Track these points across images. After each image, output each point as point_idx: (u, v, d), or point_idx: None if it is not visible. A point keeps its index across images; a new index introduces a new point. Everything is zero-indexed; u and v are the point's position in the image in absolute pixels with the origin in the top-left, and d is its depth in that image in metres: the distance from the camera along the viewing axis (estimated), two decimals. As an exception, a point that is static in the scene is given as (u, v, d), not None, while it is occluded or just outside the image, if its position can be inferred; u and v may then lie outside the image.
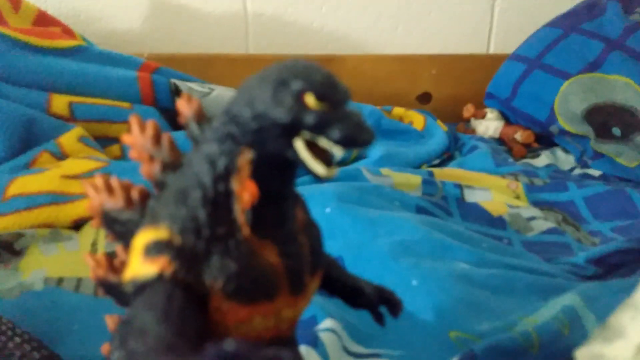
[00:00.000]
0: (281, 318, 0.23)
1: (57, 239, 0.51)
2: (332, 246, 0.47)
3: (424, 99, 1.07)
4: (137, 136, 0.23)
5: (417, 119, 0.93)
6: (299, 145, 0.20)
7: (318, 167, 0.20)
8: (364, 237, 0.50)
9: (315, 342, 0.37)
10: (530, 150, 0.90)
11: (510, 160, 0.83)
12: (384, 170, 0.66)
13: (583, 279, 0.50)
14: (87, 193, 0.24)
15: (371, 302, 0.28)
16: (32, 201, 0.54)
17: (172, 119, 0.76)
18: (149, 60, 0.82)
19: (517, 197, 0.68)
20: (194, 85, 0.81)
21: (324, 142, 0.19)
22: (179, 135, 0.27)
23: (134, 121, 0.23)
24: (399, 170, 0.68)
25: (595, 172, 0.81)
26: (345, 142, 0.19)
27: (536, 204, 0.68)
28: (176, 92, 0.78)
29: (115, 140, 0.72)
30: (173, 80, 0.79)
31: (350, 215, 0.52)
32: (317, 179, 0.20)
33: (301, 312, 0.24)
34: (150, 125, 0.23)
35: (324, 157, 0.20)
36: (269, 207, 0.22)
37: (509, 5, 1.09)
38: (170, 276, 0.20)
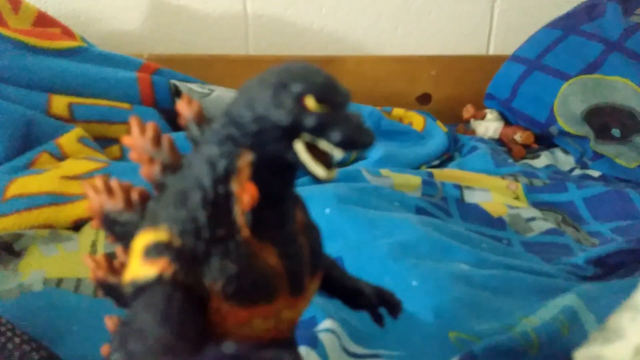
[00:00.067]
0: (281, 319, 0.23)
1: (56, 240, 0.51)
2: (332, 247, 0.47)
3: (424, 99, 1.07)
4: (137, 138, 0.23)
5: (416, 120, 0.93)
6: (299, 147, 0.20)
7: (318, 169, 0.20)
8: (363, 238, 0.50)
9: (314, 343, 0.37)
10: (529, 151, 0.90)
11: (510, 161, 0.83)
12: (384, 171, 0.66)
13: (583, 280, 0.50)
14: (87, 194, 0.25)
15: (371, 303, 0.29)
16: (32, 202, 0.54)
17: (172, 119, 0.76)
18: (148, 61, 0.82)
19: (517, 198, 0.68)
20: (194, 86, 0.81)
21: (324, 145, 0.19)
22: (178, 137, 0.27)
23: (134, 123, 0.23)
24: (399, 171, 0.68)
25: (595, 173, 0.81)
26: (345, 145, 0.19)
27: (536, 204, 0.68)
28: (176, 93, 0.78)
29: (115, 141, 0.72)
30: (173, 81, 0.79)
31: (350, 216, 0.52)
32: (317, 180, 0.20)
33: (301, 313, 0.24)
34: (150, 126, 0.23)
35: (324, 159, 0.20)
36: (269, 209, 0.22)
37: (508, 6, 1.09)
38: (170, 278, 0.20)
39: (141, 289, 0.21)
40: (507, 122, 0.96)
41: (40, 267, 0.47)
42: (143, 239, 0.21)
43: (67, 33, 0.81)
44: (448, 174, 0.71)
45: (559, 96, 0.85)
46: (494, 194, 0.66)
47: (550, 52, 0.89)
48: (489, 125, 0.95)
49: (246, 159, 0.21)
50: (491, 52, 1.12)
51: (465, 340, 0.39)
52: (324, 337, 0.37)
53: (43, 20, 0.81)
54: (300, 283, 0.23)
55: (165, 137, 0.24)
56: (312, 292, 0.25)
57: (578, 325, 0.39)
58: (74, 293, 0.45)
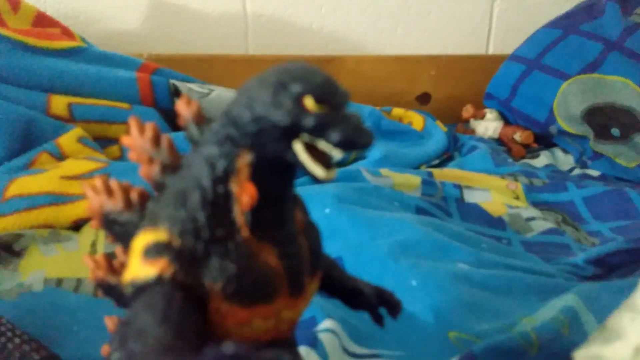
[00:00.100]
0: (281, 319, 0.23)
1: (56, 240, 0.51)
2: (332, 247, 0.47)
3: (424, 99, 1.07)
4: (137, 138, 0.23)
5: (416, 120, 0.93)
6: (299, 147, 0.20)
7: (317, 170, 0.20)
8: (363, 238, 0.50)
9: (314, 343, 0.37)
10: (529, 151, 0.90)
11: (510, 160, 0.83)
12: (384, 171, 0.66)
13: (582, 280, 0.50)
14: (87, 194, 0.25)
15: (370, 303, 0.29)
16: (32, 202, 0.54)
17: (171, 119, 0.76)
18: (148, 61, 0.82)
19: (517, 198, 0.68)
20: (194, 86, 0.81)
21: (323, 145, 0.19)
22: (178, 136, 0.27)
23: (133, 123, 0.23)
24: (399, 170, 0.68)
25: (595, 173, 0.81)
26: (344, 145, 0.19)
27: (535, 204, 0.68)
28: (175, 93, 0.78)
29: (115, 141, 0.72)
30: (172, 81, 0.79)
31: (349, 215, 0.52)
32: (317, 180, 0.20)
33: (301, 313, 0.24)
34: (149, 127, 0.23)
35: (323, 159, 0.20)
36: (268, 209, 0.22)
37: (508, 5, 1.09)
38: (170, 278, 0.20)
39: (141, 289, 0.21)
40: (507, 121, 0.96)
41: (40, 267, 0.47)
42: (143, 239, 0.21)
43: (67, 33, 0.81)
44: (448, 174, 0.71)
45: (558, 96, 0.86)
46: (493, 193, 0.66)
47: (550, 51, 0.90)
48: (489, 125, 0.95)
49: (245, 159, 0.21)
50: (491, 51, 1.12)
51: (465, 340, 0.39)
52: (324, 337, 0.37)
53: (42, 20, 0.81)
54: (300, 283, 0.23)
55: (165, 137, 0.24)
56: (312, 292, 0.25)
57: (578, 325, 0.39)
58: (74, 293, 0.45)
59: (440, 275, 0.44)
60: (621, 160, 0.79)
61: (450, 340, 0.39)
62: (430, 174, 0.70)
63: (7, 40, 0.70)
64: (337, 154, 0.20)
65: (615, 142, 0.80)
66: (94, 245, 0.51)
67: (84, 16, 0.94)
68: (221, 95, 0.80)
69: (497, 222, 0.61)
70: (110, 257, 0.25)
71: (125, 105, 0.74)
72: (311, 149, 0.20)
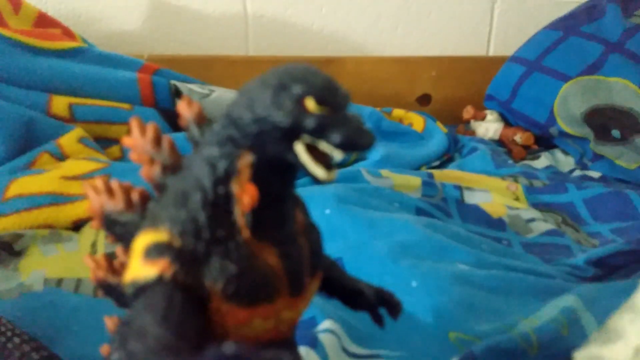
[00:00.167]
0: (281, 320, 0.23)
1: (56, 240, 0.51)
2: (332, 247, 0.47)
3: (424, 100, 1.07)
4: (138, 138, 0.23)
5: (416, 121, 0.93)
6: (299, 148, 0.20)
7: (318, 171, 0.20)
8: (363, 239, 0.50)
9: (314, 343, 0.37)
10: (529, 152, 0.90)
11: (510, 162, 0.83)
12: (384, 172, 0.66)
13: (582, 281, 0.50)
14: (88, 195, 0.25)
15: (370, 303, 0.29)
16: (32, 202, 0.54)
17: (172, 120, 0.76)
18: (149, 62, 0.82)
19: (517, 199, 0.69)
20: (194, 87, 0.81)
21: (324, 146, 0.19)
22: (179, 137, 0.27)
23: (134, 123, 0.24)
24: (399, 171, 0.68)
25: (595, 174, 0.81)
26: (345, 146, 0.19)
27: (536, 205, 0.68)
28: (176, 93, 0.78)
29: (116, 141, 0.72)
30: (173, 82, 0.79)
31: (349, 216, 0.52)
32: (317, 181, 0.20)
33: (301, 313, 0.24)
34: (150, 127, 0.23)
35: (324, 160, 0.20)
36: (269, 210, 0.22)
37: (508, 7, 1.09)
38: (170, 278, 0.20)
39: (141, 289, 0.21)
40: (507, 123, 0.96)
41: (40, 267, 0.47)
42: (143, 239, 0.22)
43: (68, 33, 0.81)
44: (448, 175, 0.71)
45: (559, 97, 0.86)
46: (494, 194, 0.66)
47: (550, 53, 0.90)
48: (489, 126, 0.95)
49: (246, 160, 0.21)
50: (491, 53, 1.12)
51: (465, 340, 0.39)
52: (324, 338, 0.37)
53: (43, 21, 0.81)
54: (300, 283, 0.23)
55: (166, 138, 0.24)
56: (312, 292, 0.25)
57: (578, 326, 0.39)
58: (74, 293, 0.45)
59: (441, 276, 0.45)
60: (621, 162, 0.79)
61: (451, 340, 0.39)
62: (430, 175, 0.70)
63: (8, 40, 0.71)
64: (337, 155, 0.20)
65: (616, 144, 0.80)
66: (94, 245, 0.51)
67: (84, 17, 0.94)
68: (222, 96, 0.80)
69: (497, 223, 0.61)
70: (110, 257, 0.25)
71: (126, 106, 0.74)
72: (312, 150, 0.20)
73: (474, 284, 0.45)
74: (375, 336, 0.40)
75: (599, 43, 0.85)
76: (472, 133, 0.97)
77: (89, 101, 0.72)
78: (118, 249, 0.25)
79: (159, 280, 0.20)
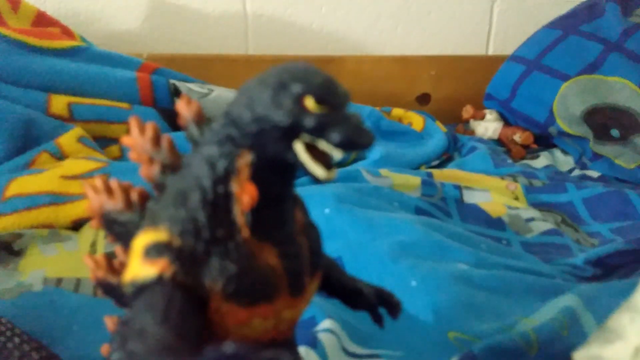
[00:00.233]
0: (281, 319, 0.23)
1: (56, 239, 0.51)
2: (331, 247, 0.47)
3: (423, 99, 1.07)
4: (137, 138, 0.23)
5: (416, 120, 0.93)
6: (299, 147, 0.20)
7: (318, 170, 0.20)
8: (363, 238, 0.50)
9: (314, 343, 0.37)
10: (529, 152, 0.90)
11: (509, 161, 0.83)
12: (383, 171, 0.66)
13: (582, 280, 0.50)
14: (87, 194, 0.25)
15: (370, 303, 0.29)
16: (32, 201, 0.54)
17: (171, 119, 0.76)
18: (148, 61, 0.82)
19: (516, 198, 0.69)
20: (194, 86, 0.81)
21: (323, 145, 0.19)
22: (178, 136, 0.27)
23: (133, 123, 0.23)
24: (398, 171, 0.68)
25: (594, 174, 0.81)
26: (344, 145, 0.19)
27: (535, 205, 0.68)
28: (175, 92, 0.78)
29: (115, 140, 0.72)
30: (172, 81, 0.79)
31: (349, 216, 0.52)
32: (317, 181, 0.20)
33: (301, 313, 0.24)
34: (149, 127, 0.23)
35: (323, 159, 0.20)
36: (269, 209, 0.22)
37: (508, 6, 1.09)
38: (170, 278, 0.20)
39: (141, 289, 0.21)
40: (507, 122, 0.96)
41: (40, 266, 0.47)
42: (143, 239, 0.21)
43: (67, 32, 0.81)
44: (447, 174, 0.71)
45: (558, 96, 0.86)
46: (493, 194, 0.66)
47: (550, 52, 0.90)
48: (489, 126, 0.95)
49: (246, 159, 0.21)
50: (490, 52, 1.12)
51: (464, 340, 0.39)
52: (324, 337, 0.37)
53: (42, 20, 0.81)
54: (300, 283, 0.23)
55: (165, 137, 0.24)
56: (312, 292, 0.25)
57: (577, 326, 0.39)
58: (74, 293, 0.45)
59: (440, 275, 0.45)
60: (621, 161, 0.79)
61: (450, 340, 0.39)
62: (430, 175, 0.70)
63: (7, 39, 0.70)
64: (337, 154, 0.20)
65: (615, 143, 0.80)
66: (93, 245, 0.51)
67: (84, 16, 0.94)
68: (221, 95, 0.80)
69: (496, 223, 0.61)
70: (110, 256, 0.25)
71: (125, 105, 0.74)
72: (311, 149, 0.20)
73: (473, 284, 0.45)
74: (375, 336, 0.40)
75: (599, 42, 0.85)
76: (472, 132, 0.97)
77: (88, 100, 0.72)
78: (117, 249, 0.25)
79: (159, 280, 0.20)
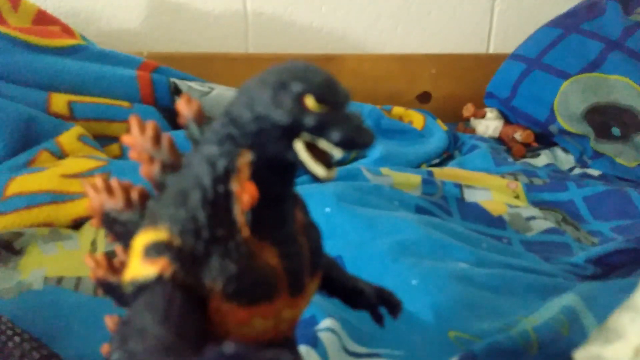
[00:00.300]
0: (281, 319, 0.23)
1: (56, 238, 0.51)
2: (332, 246, 0.47)
3: (424, 98, 1.07)
4: (137, 137, 0.23)
5: (416, 119, 0.93)
6: (299, 147, 0.20)
7: (318, 169, 0.20)
8: (363, 237, 0.50)
9: (315, 342, 0.37)
10: (529, 150, 0.90)
11: (510, 159, 0.83)
12: (384, 170, 0.66)
13: (582, 279, 0.50)
14: (87, 193, 0.25)
15: (371, 302, 0.28)
16: (32, 200, 0.54)
17: (171, 118, 0.76)
18: (148, 59, 0.82)
19: (517, 197, 0.68)
20: (194, 85, 0.81)
21: (323, 144, 0.19)
22: (178, 135, 0.27)
23: (133, 122, 0.23)
24: (399, 169, 0.68)
25: (595, 172, 0.81)
26: (345, 144, 0.19)
27: (536, 203, 0.68)
28: (176, 91, 0.78)
29: (115, 139, 0.72)
30: (173, 80, 0.79)
31: (349, 215, 0.52)
32: (317, 180, 0.20)
33: (301, 312, 0.24)
34: (150, 126, 0.23)
35: (323, 158, 0.20)
36: (269, 209, 0.22)
37: (508, 5, 1.09)
38: (170, 277, 0.20)
39: (141, 288, 0.21)
40: (507, 120, 0.96)
41: (40, 265, 0.47)
42: (143, 238, 0.21)
43: (67, 31, 0.81)
44: (448, 173, 0.71)
45: (559, 95, 0.85)
46: (494, 192, 0.66)
47: (551, 50, 0.89)
48: (489, 124, 0.94)
49: (246, 158, 0.21)
50: (491, 50, 1.12)
51: (465, 339, 0.39)
52: (324, 337, 0.37)
53: (43, 19, 0.81)
54: (300, 283, 0.23)
55: (165, 136, 0.24)
56: (312, 291, 0.25)
57: (578, 325, 0.39)
58: (74, 291, 0.45)
59: (441, 274, 0.44)
60: (622, 160, 0.79)
61: (450, 339, 0.39)
62: (430, 173, 0.69)
63: (7, 38, 0.70)
64: (337, 154, 0.20)
65: (616, 142, 0.80)
66: (94, 244, 0.51)
67: (84, 14, 0.94)
68: (222, 94, 0.80)
69: (497, 222, 0.61)
70: (110, 256, 0.25)
71: (125, 104, 0.74)
72: (312, 148, 0.20)
73: (474, 283, 0.45)
74: (376, 335, 0.40)
75: (599, 41, 0.85)
76: (472, 131, 0.97)
77: (89, 99, 0.72)
78: (118, 248, 0.25)
79: (159, 279, 0.20)
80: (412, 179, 0.65)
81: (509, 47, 1.01)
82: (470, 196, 0.65)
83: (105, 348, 0.25)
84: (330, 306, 0.41)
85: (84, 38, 0.83)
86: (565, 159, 0.87)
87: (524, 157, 0.88)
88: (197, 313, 0.20)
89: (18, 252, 0.49)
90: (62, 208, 0.54)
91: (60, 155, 0.63)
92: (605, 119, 0.80)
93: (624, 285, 0.44)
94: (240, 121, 0.20)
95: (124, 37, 0.96)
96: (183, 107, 0.24)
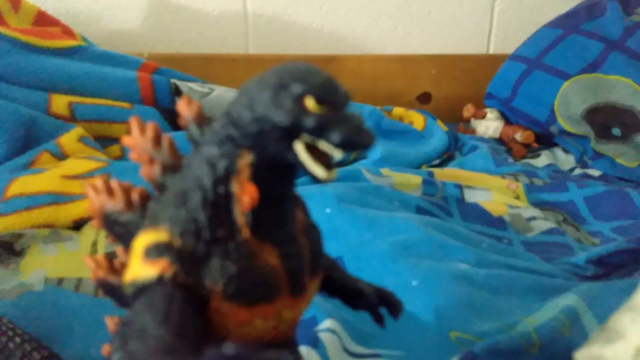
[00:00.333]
0: (281, 319, 0.23)
1: (57, 239, 0.51)
2: (332, 246, 0.47)
3: (424, 99, 1.07)
4: (137, 138, 0.23)
5: (417, 119, 0.93)
6: (299, 148, 0.20)
7: (318, 170, 0.20)
8: (364, 238, 0.50)
9: (315, 343, 0.37)
10: (530, 151, 0.90)
11: (510, 160, 0.83)
12: (384, 171, 0.66)
13: (583, 279, 0.50)
14: (88, 194, 0.25)
15: (371, 303, 0.28)
16: (32, 201, 0.54)
17: (172, 119, 0.76)
18: (148, 60, 0.82)
19: (517, 197, 0.68)
20: (194, 85, 0.81)
21: (324, 145, 0.19)
22: (179, 136, 0.27)
23: (134, 123, 0.23)
24: (399, 170, 0.68)
25: (595, 172, 0.81)
26: (345, 145, 0.19)
27: (536, 204, 0.68)
28: (176, 92, 0.78)
29: (116, 140, 0.72)
30: (173, 81, 0.79)
31: (350, 215, 0.52)
32: (317, 181, 0.20)
33: (301, 313, 0.24)
34: (150, 127, 0.23)
35: (324, 159, 0.20)
36: (269, 210, 0.22)
37: (508, 5, 1.09)
38: (171, 278, 0.20)
39: (142, 289, 0.21)
40: (508, 121, 0.96)
41: (41, 266, 0.47)
42: (143, 239, 0.21)
43: (67, 32, 0.81)
44: (448, 174, 0.71)
45: (559, 95, 0.85)
46: (494, 193, 0.66)
47: (551, 51, 0.89)
48: (490, 125, 0.94)
49: (246, 159, 0.21)
50: (491, 51, 1.12)
51: (465, 340, 0.39)
52: (325, 337, 0.37)
53: (43, 20, 0.81)
54: (300, 283, 0.23)
55: (166, 137, 0.24)
56: (313, 292, 0.25)
57: (579, 325, 0.39)
58: (75, 293, 0.45)
59: (441, 275, 0.44)
60: (622, 160, 0.79)
61: (451, 340, 0.39)
62: (430, 174, 0.70)
63: (7, 39, 0.70)
64: (337, 155, 0.20)
65: (616, 142, 0.80)
66: (94, 245, 0.51)
67: (84, 15, 0.94)
68: (222, 94, 0.80)
69: (497, 222, 0.61)
70: (111, 257, 0.25)
71: (125, 105, 0.74)
72: (312, 149, 0.20)
73: (474, 283, 0.45)
74: (376, 336, 0.40)
75: (600, 41, 0.85)
76: (473, 131, 0.97)
77: (89, 100, 0.72)
78: (118, 249, 0.25)
79: (159, 280, 0.20)
80: (412, 180, 0.65)
81: (509, 48, 1.01)
82: (470, 197, 0.65)
83: (105, 348, 0.25)
84: (331, 307, 0.41)
85: (84, 39, 0.83)
86: (565, 160, 0.87)
87: (524, 157, 0.88)
88: (198, 314, 0.20)
89: (19, 253, 0.49)
90: (63, 209, 0.54)
91: (60, 156, 0.63)
92: (605, 120, 0.80)
93: (625, 286, 0.44)
94: (241, 122, 0.20)
95: (124, 38, 0.96)
96: (183, 108, 0.24)
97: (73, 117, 0.70)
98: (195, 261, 0.21)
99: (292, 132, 0.20)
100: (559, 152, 0.89)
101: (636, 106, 0.78)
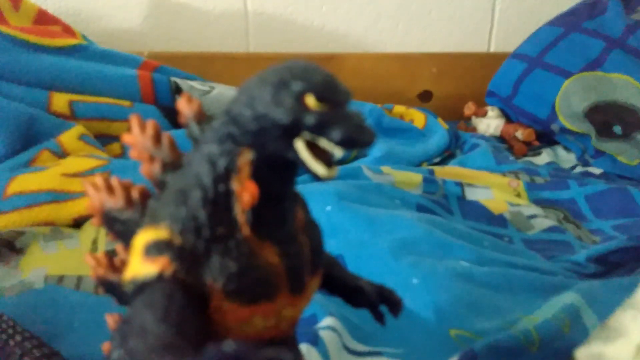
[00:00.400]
0: (281, 317, 0.23)
1: (57, 237, 0.51)
2: (333, 244, 0.47)
3: (425, 97, 1.07)
4: (138, 136, 0.23)
5: (417, 117, 0.93)
6: (300, 145, 0.20)
7: (319, 168, 0.20)
8: (364, 236, 0.50)
9: (315, 341, 0.37)
10: (531, 149, 0.90)
11: (511, 158, 0.83)
12: (385, 169, 0.66)
13: (584, 277, 0.50)
14: (88, 192, 0.25)
15: (371, 301, 0.28)
16: (33, 199, 0.54)
17: (172, 117, 0.76)
18: (149, 59, 0.82)
19: (518, 195, 0.68)
20: (195, 84, 0.81)
21: (324, 143, 0.19)
22: (179, 134, 0.27)
23: (134, 121, 0.23)
24: (400, 168, 0.68)
25: (596, 170, 0.81)
26: (345, 143, 0.19)
27: (537, 202, 0.68)
28: (177, 90, 0.78)
29: (116, 138, 0.72)
30: (173, 79, 0.79)
31: (350, 213, 0.52)
32: (318, 179, 0.20)
33: (301, 311, 0.24)
34: (150, 125, 0.23)
35: (324, 157, 0.20)
36: (269, 207, 0.22)
37: (509, 3, 1.09)
38: (171, 276, 0.20)
39: (142, 287, 0.21)
40: (509, 119, 0.95)
41: (41, 264, 0.47)
42: (143, 237, 0.21)
43: (68, 31, 0.81)
44: (449, 172, 0.71)
45: (560, 93, 0.85)
46: (495, 191, 0.66)
47: (552, 49, 0.89)
48: (490, 123, 0.94)
49: (246, 157, 0.21)
50: (492, 49, 1.12)
51: (466, 337, 0.39)
52: (325, 335, 0.37)
53: (43, 18, 0.81)
54: (300, 281, 0.23)
55: (166, 135, 0.24)
56: (313, 290, 0.25)
57: (579, 324, 0.39)
58: (75, 290, 0.45)
59: (442, 273, 0.44)
60: (623, 158, 0.79)
61: (451, 337, 0.39)
62: (431, 172, 0.69)
63: (8, 37, 0.70)
64: (338, 152, 0.19)
65: (618, 140, 0.79)
66: (94, 242, 0.51)
67: (85, 14, 0.94)
68: (222, 93, 0.80)
69: (498, 220, 0.61)
70: (111, 254, 0.25)
71: (126, 103, 0.74)
72: (312, 147, 0.20)
73: (475, 281, 0.45)
74: (376, 333, 0.40)
75: (601, 39, 0.85)
76: (473, 129, 0.97)
77: (90, 98, 0.72)
78: (118, 247, 0.25)
79: (159, 278, 0.20)
80: (413, 178, 0.65)
81: (510, 46, 1.01)
82: (471, 195, 0.65)
83: (105, 346, 0.25)
84: (331, 304, 0.41)
85: (84, 37, 0.83)
86: (566, 158, 0.87)
87: (525, 155, 0.88)
88: (198, 312, 0.20)
89: (19, 251, 0.49)
90: (63, 207, 0.54)
91: (61, 154, 0.63)
92: (606, 118, 0.80)
93: (625, 284, 0.44)
94: (241, 120, 0.20)
95: (124, 37, 0.96)
96: (184, 106, 0.24)
97: (73, 115, 0.70)
98: (195, 259, 0.21)
99: (292, 129, 0.20)
100: (560, 150, 0.89)
101: (637, 104, 0.78)
